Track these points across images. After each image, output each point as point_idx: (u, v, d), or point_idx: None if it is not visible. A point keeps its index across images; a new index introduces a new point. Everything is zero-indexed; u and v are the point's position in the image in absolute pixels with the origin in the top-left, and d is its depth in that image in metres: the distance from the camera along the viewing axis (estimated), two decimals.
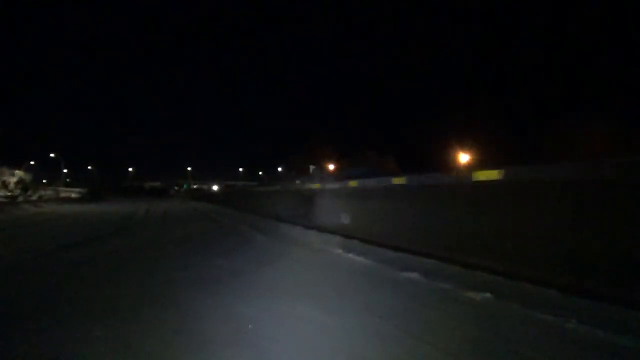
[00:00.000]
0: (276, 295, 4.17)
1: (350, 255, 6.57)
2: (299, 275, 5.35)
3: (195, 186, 79.83)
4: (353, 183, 10.49)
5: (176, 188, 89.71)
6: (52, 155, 51.75)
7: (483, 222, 5.55)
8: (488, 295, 3.96)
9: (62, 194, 40.96)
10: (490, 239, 5.30)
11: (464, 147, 34.46)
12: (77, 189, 48.56)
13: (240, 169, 78.29)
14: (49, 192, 38.48)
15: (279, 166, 58.52)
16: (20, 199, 28.24)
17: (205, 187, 67.08)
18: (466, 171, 7.90)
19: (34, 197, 31.25)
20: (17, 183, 33.51)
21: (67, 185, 53.33)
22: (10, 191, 29.84)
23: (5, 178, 33.04)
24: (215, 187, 63.76)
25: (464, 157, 34.59)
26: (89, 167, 72.43)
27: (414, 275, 4.97)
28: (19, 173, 37.50)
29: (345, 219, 9.21)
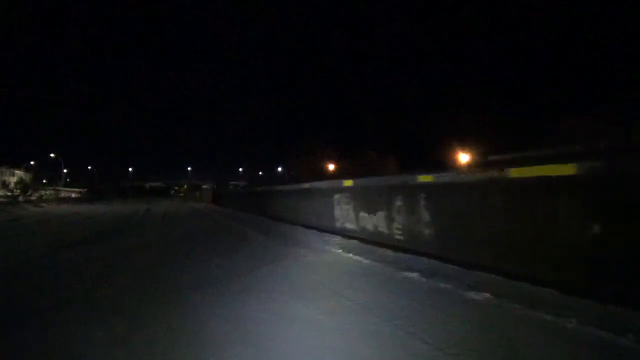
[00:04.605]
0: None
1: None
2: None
3: (194, 186, 79.91)
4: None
5: (176, 188, 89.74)
6: (52, 155, 51.79)
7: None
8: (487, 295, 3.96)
9: (62, 194, 40.97)
10: None
11: (464, 146, 34.50)
12: (77, 189, 48.54)
13: (241, 169, 78.28)
14: (48, 192, 38.52)
15: (279, 166, 58.58)
16: (20, 198, 28.25)
17: (205, 187, 67.11)
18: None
19: (34, 197, 31.27)
20: (17, 183, 33.51)
21: (67, 185, 53.33)
22: (10, 191, 29.84)
23: (5, 178, 33.05)
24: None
25: (464, 157, 34.59)
26: (89, 167, 72.48)
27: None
28: (19, 173, 37.51)
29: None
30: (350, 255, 6.50)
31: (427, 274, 4.93)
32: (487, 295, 3.95)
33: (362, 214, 7.83)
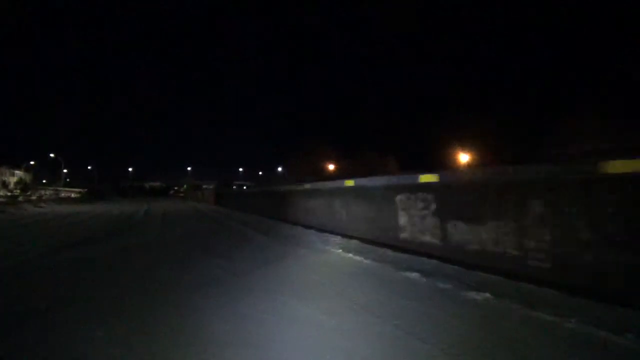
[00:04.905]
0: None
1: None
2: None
3: (195, 186, 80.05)
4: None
5: (176, 188, 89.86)
6: (52, 155, 51.80)
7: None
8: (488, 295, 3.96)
9: (62, 194, 40.93)
10: None
11: (463, 147, 34.54)
12: (77, 189, 48.52)
13: (241, 169, 78.35)
14: (49, 192, 38.51)
15: (279, 167, 58.68)
16: (20, 199, 28.26)
17: (205, 187, 67.22)
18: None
19: (34, 197, 31.27)
20: (17, 183, 33.51)
21: (66, 185, 53.33)
22: (10, 191, 29.82)
23: (5, 178, 33.06)
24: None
25: (463, 157, 34.63)
26: (89, 167, 72.55)
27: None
28: (19, 173, 37.50)
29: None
30: (350, 255, 6.51)
31: (427, 273, 4.93)
32: (487, 295, 3.96)
33: (455, 224, 5.58)
